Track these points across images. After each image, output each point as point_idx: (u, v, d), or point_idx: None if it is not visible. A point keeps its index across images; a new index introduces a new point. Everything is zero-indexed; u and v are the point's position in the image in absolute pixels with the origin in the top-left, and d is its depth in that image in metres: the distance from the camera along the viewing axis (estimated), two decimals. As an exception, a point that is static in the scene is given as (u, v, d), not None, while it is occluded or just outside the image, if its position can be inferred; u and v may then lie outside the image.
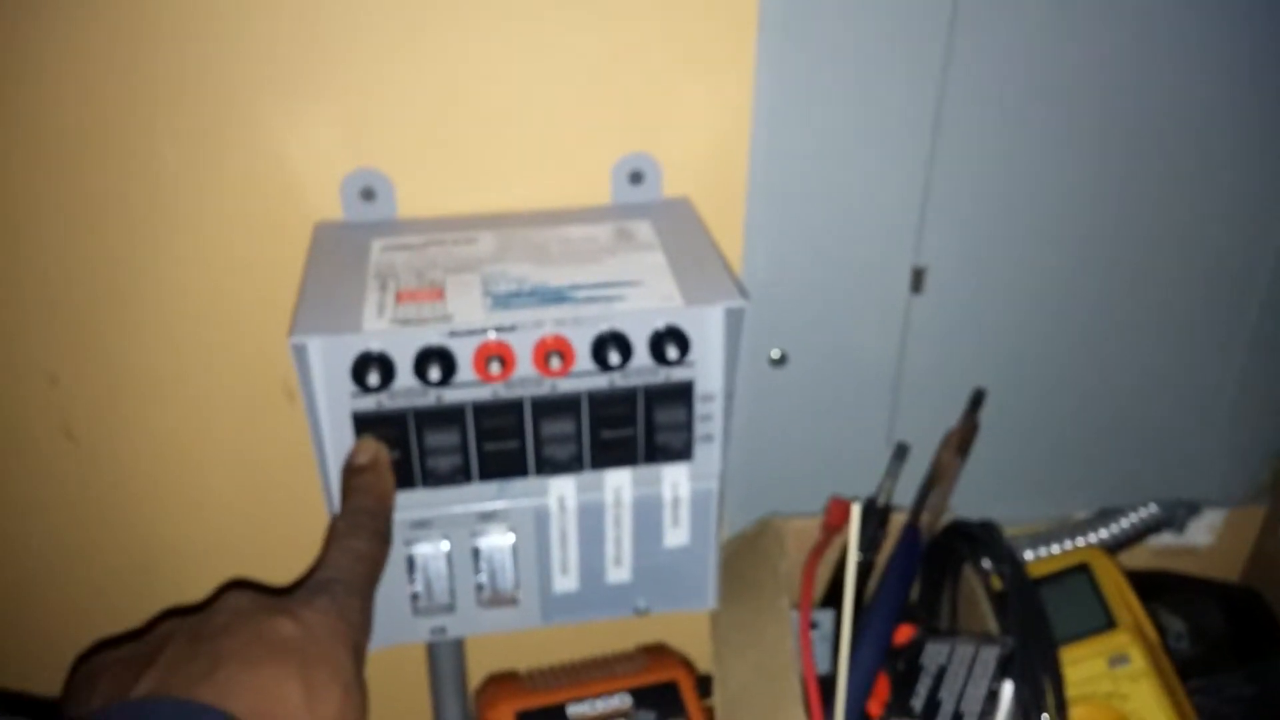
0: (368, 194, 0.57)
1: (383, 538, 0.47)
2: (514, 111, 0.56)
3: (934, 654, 0.55)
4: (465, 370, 0.49)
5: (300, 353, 0.47)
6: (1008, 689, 0.51)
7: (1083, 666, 0.60)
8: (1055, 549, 0.72)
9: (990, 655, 0.53)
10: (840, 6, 0.55)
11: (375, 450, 0.49)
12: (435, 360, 0.48)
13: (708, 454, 0.54)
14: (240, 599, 0.40)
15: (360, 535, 0.46)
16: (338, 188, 0.56)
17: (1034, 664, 0.52)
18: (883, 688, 0.57)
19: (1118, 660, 0.60)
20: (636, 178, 0.59)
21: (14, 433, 0.61)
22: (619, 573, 0.56)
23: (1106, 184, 0.62)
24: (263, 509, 0.65)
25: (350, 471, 0.49)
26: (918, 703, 0.53)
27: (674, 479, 0.54)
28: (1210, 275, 0.66)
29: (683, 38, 0.55)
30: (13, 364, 0.59)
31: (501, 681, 0.64)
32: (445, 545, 0.53)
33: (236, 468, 0.64)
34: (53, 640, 0.64)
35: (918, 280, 0.63)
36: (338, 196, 0.56)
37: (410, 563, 0.53)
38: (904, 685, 0.55)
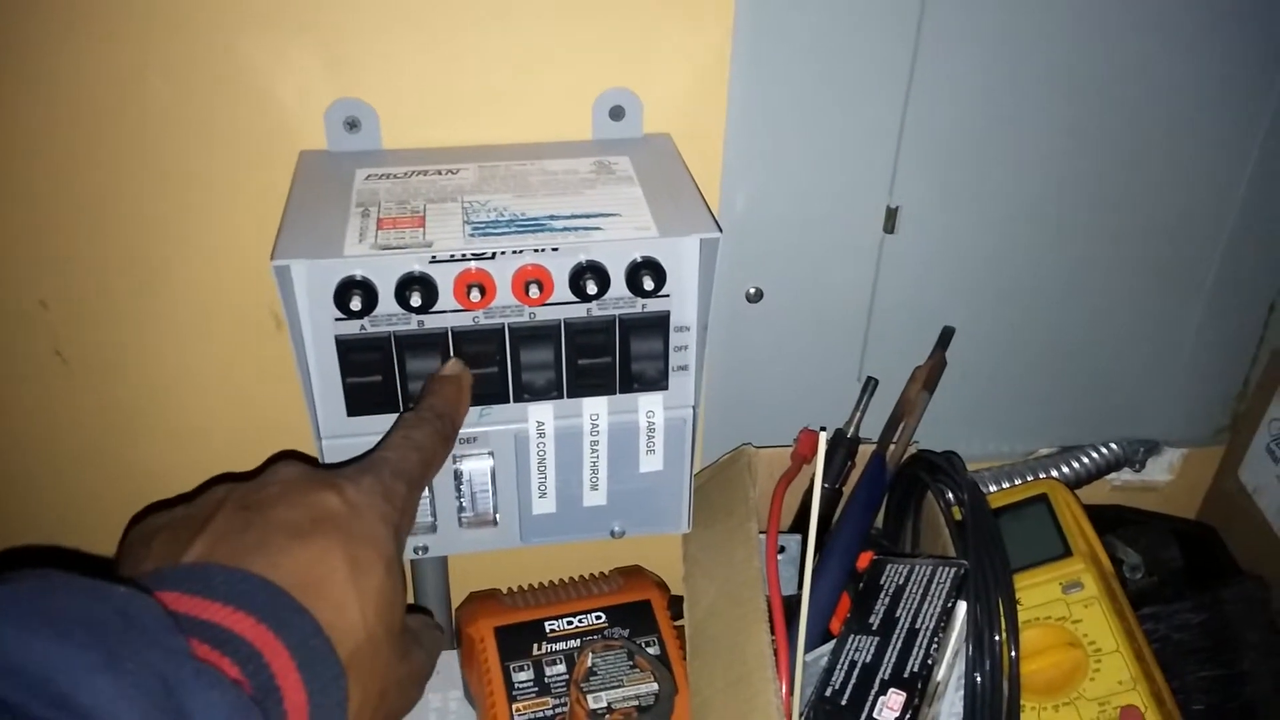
0: (352, 124, 0.57)
1: (445, 438, 0.48)
2: (498, 45, 0.56)
3: (892, 574, 0.57)
4: (446, 298, 0.50)
5: (283, 275, 0.48)
6: (961, 608, 0.53)
7: (1038, 591, 0.62)
8: (1018, 483, 0.74)
9: (946, 576, 0.55)
10: (819, -54, 0.55)
11: (461, 368, 0.51)
12: (416, 287, 0.49)
13: (682, 384, 0.55)
14: (290, 469, 0.41)
15: (422, 428, 0.47)
16: (322, 118, 0.57)
17: (988, 584, 0.53)
18: (844, 608, 0.59)
19: (1071, 586, 0.62)
20: (618, 113, 0.59)
21: (8, 352, 0.63)
22: (595, 496, 0.58)
23: (1077, 131, 0.63)
24: (250, 431, 0.66)
25: (433, 379, 0.51)
26: (875, 620, 0.55)
27: (649, 407, 0.56)
28: (1174, 222, 0.67)
29: (664, -27, 0.56)
30: (5, 288, 0.60)
31: (482, 599, 0.66)
32: (427, 467, 0.55)
33: (225, 390, 0.66)
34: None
35: (891, 220, 0.64)
36: (322, 126, 0.57)
37: (393, 484, 0.55)
38: (863, 604, 0.57)
